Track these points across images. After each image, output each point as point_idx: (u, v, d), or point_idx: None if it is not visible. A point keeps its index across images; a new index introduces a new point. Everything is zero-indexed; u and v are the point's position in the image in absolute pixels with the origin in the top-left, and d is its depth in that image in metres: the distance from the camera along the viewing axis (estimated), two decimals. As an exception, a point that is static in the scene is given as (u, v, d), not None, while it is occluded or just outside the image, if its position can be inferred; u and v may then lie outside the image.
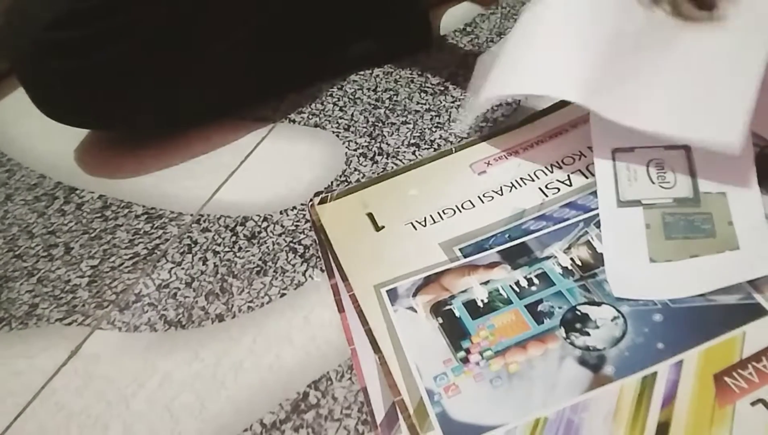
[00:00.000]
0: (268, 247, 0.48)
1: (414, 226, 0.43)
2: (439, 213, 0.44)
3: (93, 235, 0.53)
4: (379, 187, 0.48)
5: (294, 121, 0.61)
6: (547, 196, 0.43)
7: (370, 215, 0.45)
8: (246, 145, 0.58)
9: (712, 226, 0.38)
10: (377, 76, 0.64)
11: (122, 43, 0.53)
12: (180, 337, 0.43)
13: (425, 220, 0.44)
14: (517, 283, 0.38)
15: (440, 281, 0.39)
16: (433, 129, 0.56)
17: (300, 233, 0.48)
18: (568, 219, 0.41)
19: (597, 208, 0.41)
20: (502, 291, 0.38)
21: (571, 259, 0.39)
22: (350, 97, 0.62)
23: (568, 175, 0.45)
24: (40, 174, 0.61)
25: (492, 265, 0.40)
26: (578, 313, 0.36)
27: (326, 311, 0.42)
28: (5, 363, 0.44)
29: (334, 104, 0.62)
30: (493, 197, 0.44)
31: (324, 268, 0.44)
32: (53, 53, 0.52)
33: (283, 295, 0.44)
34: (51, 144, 0.64)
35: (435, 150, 0.53)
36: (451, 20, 0.71)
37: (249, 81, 0.62)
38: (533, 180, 0.45)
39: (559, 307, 0.36)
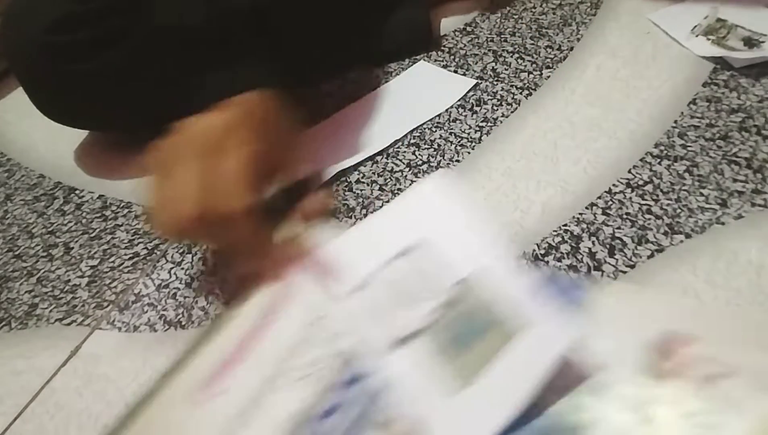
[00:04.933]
0: (267, 247, 0.48)
1: None
2: None
3: (93, 235, 0.53)
4: None
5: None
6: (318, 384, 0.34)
7: None
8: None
9: (489, 311, 0.33)
10: (377, 76, 0.64)
11: (122, 45, 0.53)
12: (180, 337, 0.43)
13: None
14: None
15: None
16: (433, 129, 0.56)
17: (300, 233, 0.48)
18: (358, 400, 0.33)
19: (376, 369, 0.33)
20: None
21: None
22: (350, 97, 0.62)
23: (325, 351, 0.35)
24: (40, 174, 0.61)
25: None
26: None
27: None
28: (5, 363, 0.44)
29: (334, 104, 0.61)
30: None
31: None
32: (53, 55, 0.52)
33: (282, 295, 0.44)
34: (51, 144, 0.64)
35: (435, 150, 0.53)
36: (451, 20, 0.71)
37: (249, 82, 0.62)
38: (285, 375, 0.35)
39: None
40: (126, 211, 0.54)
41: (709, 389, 0.27)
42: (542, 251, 0.42)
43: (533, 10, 0.69)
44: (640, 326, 0.31)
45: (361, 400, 0.33)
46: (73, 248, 0.52)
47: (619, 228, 0.43)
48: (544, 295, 0.32)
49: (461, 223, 0.36)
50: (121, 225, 0.53)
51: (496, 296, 0.33)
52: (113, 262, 0.50)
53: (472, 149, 0.52)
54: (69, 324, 0.45)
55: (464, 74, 0.61)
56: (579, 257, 0.41)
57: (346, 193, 0.51)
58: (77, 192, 0.58)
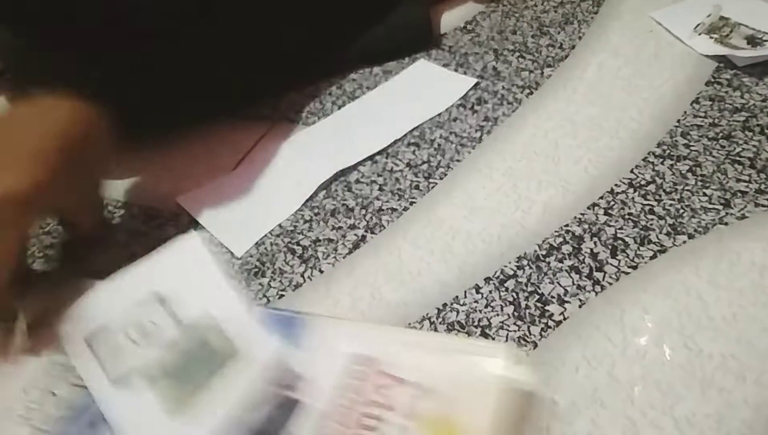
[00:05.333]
0: (266, 248, 0.47)
1: None
2: None
3: (90, 235, 0.52)
4: None
5: (293, 121, 0.60)
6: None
7: None
8: (244, 144, 0.58)
9: (210, 347, 0.37)
10: (377, 75, 0.64)
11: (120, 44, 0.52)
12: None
13: None
14: None
15: None
16: (433, 128, 0.55)
17: (298, 234, 0.48)
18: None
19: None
20: None
21: None
22: (350, 96, 0.62)
23: (52, 392, 0.39)
24: (38, 174, 0.61)
25: None
26: None
27: (324, 312, 0.41)
28: (1, 364, 0.43)
29: (334, 103, 0.61)
30: None
31: (322, 269, 0.44)
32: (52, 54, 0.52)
33: (281, 296, 0.44)
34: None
35: (435, 149, 0.53)
36: (451, 19, 0.70)
37: (249, 80, 0.62)
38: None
39: None
40: (123, 211, 0.54)
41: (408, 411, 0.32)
42: (543, 252, 0.42)
43: (534, 8, 0.69)
44: (344, 355, 0.35)
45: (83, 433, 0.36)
46: (70, 248, 0.52)
47: (621, 228, 0.42)
48: (265, 333, 0.36)
49: (197, 274, 0.41)
50: (119, 225, 0.52)
51: (221, 335, 0.37)
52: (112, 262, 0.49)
53: (473, 149, 0.52)
54: (66, 325, 0.45)
55: (465, 73, 0.61)
56: (581, 258, 0.41)
57: (346, 193, 0.51)
58: (75, 192, 0.57)
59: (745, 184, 0.43)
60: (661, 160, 0.47)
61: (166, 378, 0.37)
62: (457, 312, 0.40)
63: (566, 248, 0.42)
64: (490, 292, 0.40)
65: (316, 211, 0.50)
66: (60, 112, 0.42)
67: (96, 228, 0.48)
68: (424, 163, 0.52)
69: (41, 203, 0.39)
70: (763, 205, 0.42)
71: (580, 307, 0.38)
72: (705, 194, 0.43)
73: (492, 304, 0.40)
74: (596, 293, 0.39)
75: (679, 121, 0.50)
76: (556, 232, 0.43)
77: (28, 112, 0.41)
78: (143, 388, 0.36)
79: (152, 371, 0.37)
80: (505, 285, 0.41)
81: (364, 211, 0.49)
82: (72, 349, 0.40)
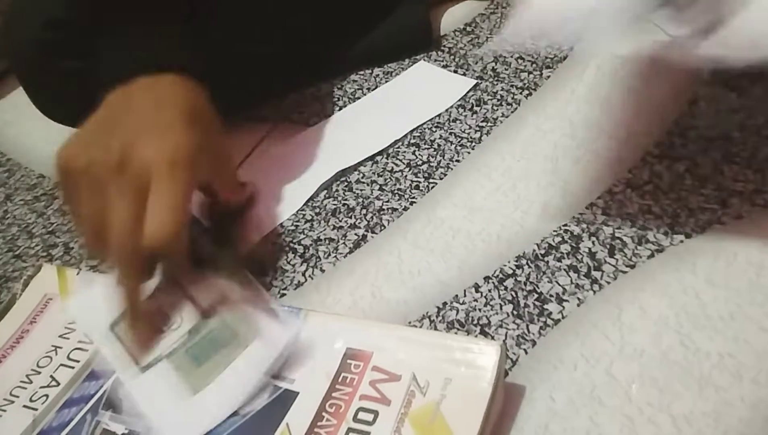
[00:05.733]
0: (268, 247, 0.48)
1: None
2: None
3: (93, 235, 0.53)
4: None
5: (294, 121, 0.61)
6: (37, 409, 0.38)
7: None
8: (246, 145, 0.58)
9: (231, 329, 0.38)
10: (377, 76, 0.64)
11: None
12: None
13: None
14: None
15: None
16: (433, 129, 0.56)
17: (300, 233, 0.48)
18: (71, 420, 0.37)
19: (97, 392, 0.38)
20: None
21: None
22: (350, 97, 0.62)
23: (51, 376, 0.40)
24: (40, 174, 0.61)
25: None
26: None
27: (325, 311, 0.42)
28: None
29: (334, 104, 0.62)
30: None
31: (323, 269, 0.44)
32: (53, 53, 0.52)
33: (282, 295, 0.44)
34: (51, 144, 0.64)
35: (435, 150, 0.53)
36: (451, 20, 0.71)
37: (249, 81, 0.62)
38: (12, 401, 0.39)
39: None
40: (126, 211, 0.54)
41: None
42: (542, 251, 0.42)
43: (533, 9, 0.69)
44: (340, 350, 0.36)
45: (73, 421, 0.37)
46: (72, 248, 0.52)
47: (619, 228, 0.43)
48: (278, 325, 0.38)
49: None
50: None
51: (236, 319, 0.39)
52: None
53: (472, 149, 0.52)
54: (69, 324, 0.45)
55: (464, 74, 0.61)
56: (579, 257, 0.41)
57: (346, 193, 0.51)
58: (77, 192, 0.58)
59: (742, 184, 0.44)
60: (658, 160, 0.47)
61: (190, 361, 0.38)
62: (457, 311, 0.40)
63: (565, 247, 0.42)
64: (490, 291, 0.41)
65: (317, 210, 0.50)
66: (177, 87, 0.42)
67: (240, 200, 0.49)
68: (424, 163, 0.52)
69: (199, 167, 0.40)
70: (759, 205, 0.42)
71: (578, 305, 0.39)
72: (702, 194, 0.44)
73: (491, 303, 0.40)
74: (594, 292, 0.39)
75: (676, 121, 0.50)
76: (554, 231, 0.44)
77: (150, 86, 0.42)
78: (169, 370, 0.38)
79: (179, 356, 0.38)
80: (505, 284, 0.41)
81: (364, 211, 0.49)
82: (97, 337, 0.41)
